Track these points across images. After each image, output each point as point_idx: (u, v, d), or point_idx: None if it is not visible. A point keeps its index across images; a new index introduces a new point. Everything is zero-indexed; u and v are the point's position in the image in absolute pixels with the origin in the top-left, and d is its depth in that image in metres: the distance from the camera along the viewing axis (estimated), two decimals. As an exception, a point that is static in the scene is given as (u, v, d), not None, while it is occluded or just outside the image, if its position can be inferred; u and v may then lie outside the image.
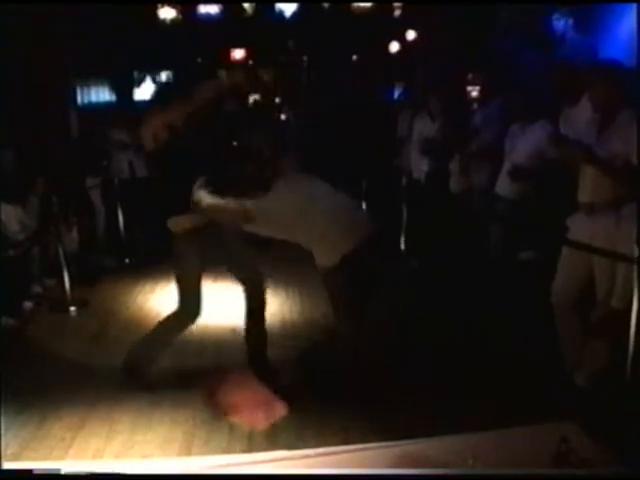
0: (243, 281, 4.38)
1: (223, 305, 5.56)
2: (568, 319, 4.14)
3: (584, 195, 3.98)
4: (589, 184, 3.93)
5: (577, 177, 4.05)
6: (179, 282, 4.23)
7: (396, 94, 12.81)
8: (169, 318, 4.33)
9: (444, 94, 7.10)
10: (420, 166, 7.08)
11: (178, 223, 4.08)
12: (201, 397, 4.02)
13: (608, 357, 3.88)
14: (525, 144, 5.49)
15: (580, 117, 4.62)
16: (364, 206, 7.77)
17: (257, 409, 3.78)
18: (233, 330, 4.92)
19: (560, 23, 7.34)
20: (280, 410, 3.77)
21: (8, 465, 2.57)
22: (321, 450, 3.30)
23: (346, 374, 4.06)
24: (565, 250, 4.14)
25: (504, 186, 5.67)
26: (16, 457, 3.36)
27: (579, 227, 4.00)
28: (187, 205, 3.93)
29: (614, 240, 3.69)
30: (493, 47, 8.16)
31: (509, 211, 5.62)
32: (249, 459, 3.33)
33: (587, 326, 4.03)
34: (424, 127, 7.11)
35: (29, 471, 2.61)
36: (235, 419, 3.75)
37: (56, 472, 2.60)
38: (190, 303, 4.22)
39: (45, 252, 6.24)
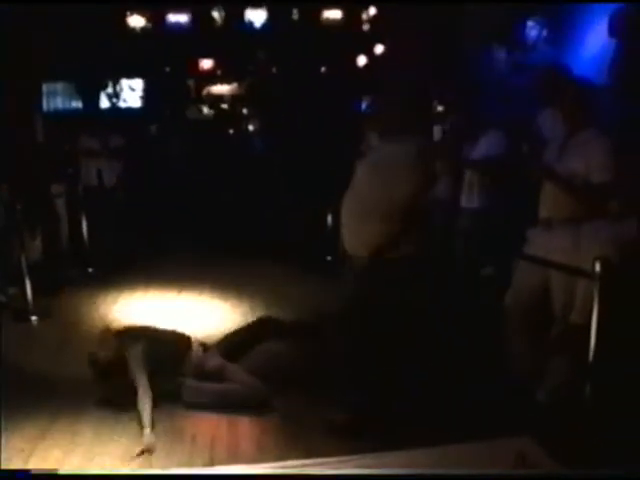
0: None
1: (189, 319, 5.57)
2: (519, 331, 4.13)
3: (543, 210, 4.03)
4: (548, 199, 3.98)
5: (539, 190, 4.08)
6: None
7: (364, 106, 12.84)
8: None
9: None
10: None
11: None
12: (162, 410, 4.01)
13: (568, 372, 3.84)
14: (478, 154, 5.55)
15: (544, 131, 4.69)
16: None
17: None
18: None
19: (532, 32, 7.40)
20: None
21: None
22: (281, 464, 3.31)
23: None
24: (522, 262, 4.16)
25: (467, 198, 5.71)
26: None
27: (537, 241, 4.04)
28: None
29: (571, 256, 3.71)
30: (462, 57, 8.16)
31: (472, 223, 5.66)
32: (210, 472, 3.32)
33: (541, 340, 4.03)
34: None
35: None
36: None
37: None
38: None
39: (8, 260, 6.16)
